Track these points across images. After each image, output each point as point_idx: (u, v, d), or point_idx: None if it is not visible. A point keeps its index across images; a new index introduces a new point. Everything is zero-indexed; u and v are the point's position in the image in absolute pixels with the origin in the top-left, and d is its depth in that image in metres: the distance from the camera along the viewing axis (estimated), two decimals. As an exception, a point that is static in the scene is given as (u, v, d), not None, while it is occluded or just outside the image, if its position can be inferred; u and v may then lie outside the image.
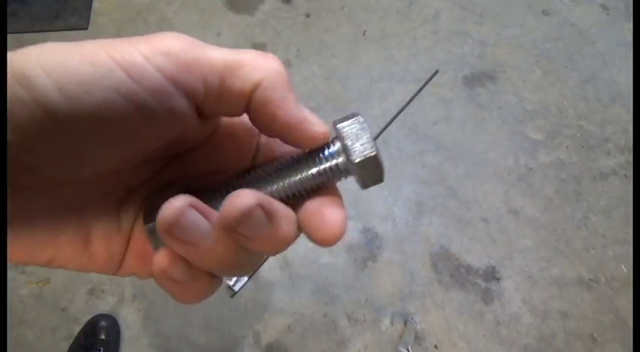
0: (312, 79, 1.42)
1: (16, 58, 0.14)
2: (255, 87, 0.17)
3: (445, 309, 1.14)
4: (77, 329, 1.09)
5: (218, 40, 1.49)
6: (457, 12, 1.54)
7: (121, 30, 1.51)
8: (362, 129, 0.19)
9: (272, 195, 0.19)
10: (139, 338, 1.10)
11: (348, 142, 0.19)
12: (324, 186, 0.20)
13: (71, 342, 1.07)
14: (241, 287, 1.14)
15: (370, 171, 0.19)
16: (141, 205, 0.21)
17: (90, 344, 1.04)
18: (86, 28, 1.50)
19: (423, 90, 1.41)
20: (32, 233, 0.17)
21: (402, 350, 1.04)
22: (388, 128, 1.35)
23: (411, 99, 1.39)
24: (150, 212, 0.19)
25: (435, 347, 1.10)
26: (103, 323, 1.07)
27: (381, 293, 1.15)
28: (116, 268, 0.20)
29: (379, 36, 1.50)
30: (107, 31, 1.50)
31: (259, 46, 1.48)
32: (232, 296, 1.13)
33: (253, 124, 0.19)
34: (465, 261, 1.19)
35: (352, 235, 1.21)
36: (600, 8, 1.56)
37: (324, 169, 0.19)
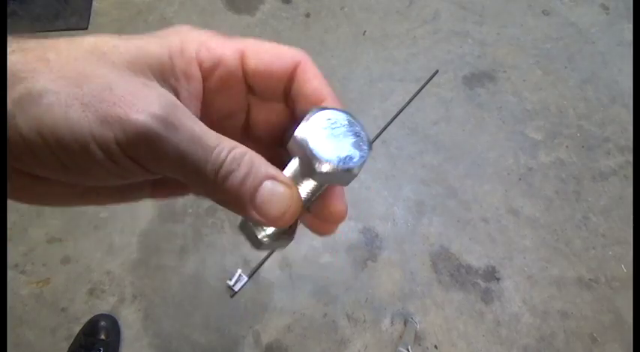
0: (312, 79, 1.42)
1: (17, 111, 0.16)
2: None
3: (445, 309, 1.14)
4: (77, 329, 1.09)
5: (218, 40, 1.49)
6: (457, 12, 1.54)
7: (121, 30, 1.51)
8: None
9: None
10: (139, 338, 1.10)
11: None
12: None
13: (71, 342, 1.07)
14: (241, 287, 1.14)
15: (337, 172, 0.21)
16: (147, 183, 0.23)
17: (90, 344, 1.04)
18: (86, 28, 1.50)
19: (423, 90, 1.41)
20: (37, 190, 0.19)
21: (402, 350, 1.04)
22: (388, 128, 1.35)
23: (411, 99, 1.39)
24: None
25: (435, 347, 1.10)
26: (103, 323, 1.07)
27: (381, 293, 1.15)
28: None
29: (379, 36, 1.50)
30: (107, 31, 1.50)
31: (259, 46, 1.48)
32: (232, 296, 1.13)
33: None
34: (465, 261, 1.19)
35: (352, 235, 1.21)
36: (600, 8, 1.56)
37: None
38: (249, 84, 0.22)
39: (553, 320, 1.13)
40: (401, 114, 1.37)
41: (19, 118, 0.16)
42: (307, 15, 1.54)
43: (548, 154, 1.32)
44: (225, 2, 1.56)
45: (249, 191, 0.18)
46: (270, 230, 0.21)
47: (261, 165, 0.19)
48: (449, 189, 1.27)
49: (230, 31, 1.50)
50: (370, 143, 0.20)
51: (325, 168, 0.18)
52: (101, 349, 1.04)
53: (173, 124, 0.17)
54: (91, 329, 1.07)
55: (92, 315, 1.10)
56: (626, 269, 1.18)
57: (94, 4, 1.55)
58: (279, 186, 0.19)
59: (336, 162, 0.19)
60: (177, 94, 0.19)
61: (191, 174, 0.18)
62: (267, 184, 0.19)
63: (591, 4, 1.56)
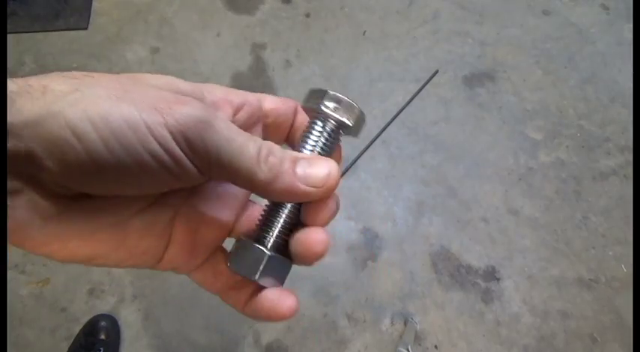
0: (312, 79, 1.42)
1: (66, 105, 0.17)
2: (251, 188, 0.21)
3: (445, 309, 1.14)
4: (77, 329, 1.09)
5: (218, 40, 1.50)
6: (457, 12, 1.54)
7: (121, 30, 1.51)
8: (339, 100, 0.24)
9: None
10: (139, 338, 1.10)
11: (340, 115, 0.24)
12: (333, 149, 0.25)
13: (71, 342, 1.07)
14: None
15: (359, 122, 0.25)
16: (177, 204, 0.24)
17: (90, 344, 1.04)
18: (86, 28, 1.50)
19: (423, 90, 1.41)
20: (71, 230, 0.19)
21: (402, 350, 1.04)
22: (388, 128, 1.35)
23: (411, 99, 1.39)
24: (238, 260, 0.24)
25: (435, 347, 1.10)
26: (103, 323, 1.07)
27: (381, 293, 1.15)
28: (156, 260, 0.23)
29: (379, 36, 1.50)
30: (107, 31, 1.50)
31: (259, 46, 1.48)
32: (232, 296, 1.13)
33: None
34: (465, 260, 1.19)
35: (352, 235, 1.21)
36: (600, 8, 1.56)
37: (328, 138, 0.24)
38: (265, 123, 0.25)
39: (553, 320, 1.13)
40: (401, 114, 1.37)
41: (68, 112, 0.17)
42: (307, 15, 1.54)
43: (548, 154, 1.32)
44: (225, 2, 1.56)
45: (290, 170, 0.21)
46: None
47: (287, 153, 0.22)
48: (449, 189, 1.27)
49: (230, 31, 1.50)
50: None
51: (357, 113, 0.24)
52: (101, 349, 1.04)
53: (215, 114, 0.19)
54: (91, 329, 1.07)
55: (92, 315, 1.10)
56: (626, 269, 1.18)
57: (94, 4, 1.55)
58: (310, 159, 0.22)
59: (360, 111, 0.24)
60: None
61: (239, 172, 0.20)
62: (302, 161, 0.22)
63: (591, 4, 1.56)
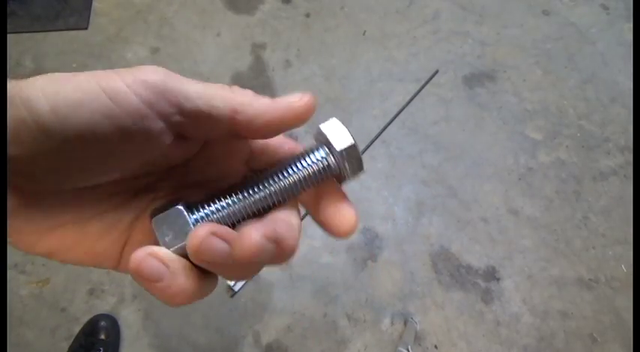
0: (312, 79, 1.42)
1: (24, 85, 0.17)
2: (232, 114, 0.19)
3: (445, 309, 1.14)
4: (77, 329, 1.09)
5: (218, 40, 1.50)
6: (457, 12, 1.54)
7: (121, 30, 1.51)
8: (339, 127, 0.21)
9: (263, 200, 0.21)
10: (139, 338, 1.10)
11: (330, 138, 0.21)
12: (313, 186, 0.22)
13: (71, 342, 1.07)
14: (241, 288, 1.14)
15: (351, 162, 0.21)
16: (141, 208, 0.22)
17: (90, 344, 1.04)
18: (86, 28, 1.50)
19: (423, 90, 1.41)
20: (29, 225, 0.19)
21: (402, 350, 1.04)
22: (388, 128, 1.35)
23: (411, 100, 1.39)
24: (157, 211, 0.21)
25: (435, 347, 1.10)
26: (103, 323, 1.07)
27: (381, 293, 1.15)
28: (114, 262, 0.22)
29: (379, 36, 1.50)
30: (107, 31, 1.50)
31: (259, 46, 1.48)
32: (232, 296, 1.13)
33: (244, 136, 0.21)
34: (465, 260, 1.19)
35: (352, 235, 1.21)
36: (600, 8, 1.56)
37: (312, 170, 0.22)
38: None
39: (553, 320, 1.13)
40: (401, 114, 1.37)
41: (24, 91, 0.16)
42: (307, 15, 1.54)
43: (548, 154, 1.32)
44: (225, 2, 1.56)
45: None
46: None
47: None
48: (449, 189, 1.27)
49: (230, 31, 1.50)
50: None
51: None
52: (101, 349, 1.04)
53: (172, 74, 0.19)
54: (91, 329, 1.07)
55: (92, 315, 1.10)
56: (626, 269, 1.18)
57: (94, 4, 1.55)
58: None
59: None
60: None
61: (214, 106, 0.19)
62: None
63: (591, 4, 1.56)
